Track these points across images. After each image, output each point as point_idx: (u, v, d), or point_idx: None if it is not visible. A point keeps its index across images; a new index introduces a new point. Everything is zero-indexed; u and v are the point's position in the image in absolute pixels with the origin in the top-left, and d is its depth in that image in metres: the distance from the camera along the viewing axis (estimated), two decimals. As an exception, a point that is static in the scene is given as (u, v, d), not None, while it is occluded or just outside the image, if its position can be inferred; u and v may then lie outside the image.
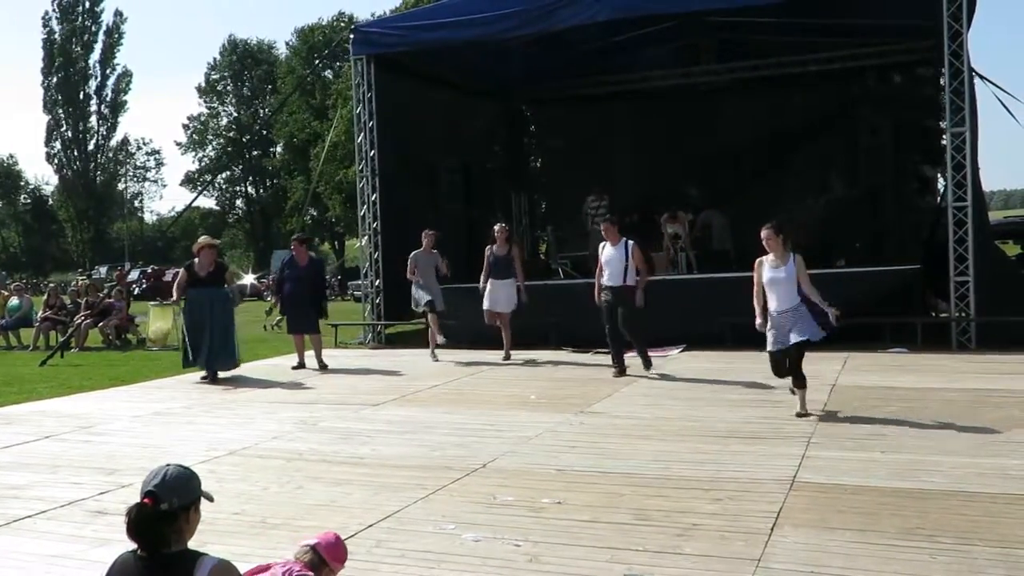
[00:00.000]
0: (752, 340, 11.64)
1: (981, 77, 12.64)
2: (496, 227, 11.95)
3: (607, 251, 9.91)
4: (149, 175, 73.68)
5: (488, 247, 11.84)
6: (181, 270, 11.26)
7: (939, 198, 15.02)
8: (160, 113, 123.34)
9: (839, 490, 5.18)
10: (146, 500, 2.59)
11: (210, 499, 2.79)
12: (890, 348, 11.17)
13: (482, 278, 11.77)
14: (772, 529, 4.53)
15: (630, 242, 9.91)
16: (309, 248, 12.51)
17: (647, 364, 9.88)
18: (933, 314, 12.52)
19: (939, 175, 15.37)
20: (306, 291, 11.71)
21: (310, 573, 3.28)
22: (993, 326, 11.24)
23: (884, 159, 14.62)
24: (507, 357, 11.68)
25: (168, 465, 2.73)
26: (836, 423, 7.04)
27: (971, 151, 11.37)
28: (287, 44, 61.84)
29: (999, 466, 5.59)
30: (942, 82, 12.17)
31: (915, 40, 14.57)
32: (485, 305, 11.69)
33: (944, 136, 12.22)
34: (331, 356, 13.24)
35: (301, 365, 11.69)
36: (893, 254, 13.60)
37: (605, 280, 9.85)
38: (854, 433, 6.65)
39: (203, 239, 11.38)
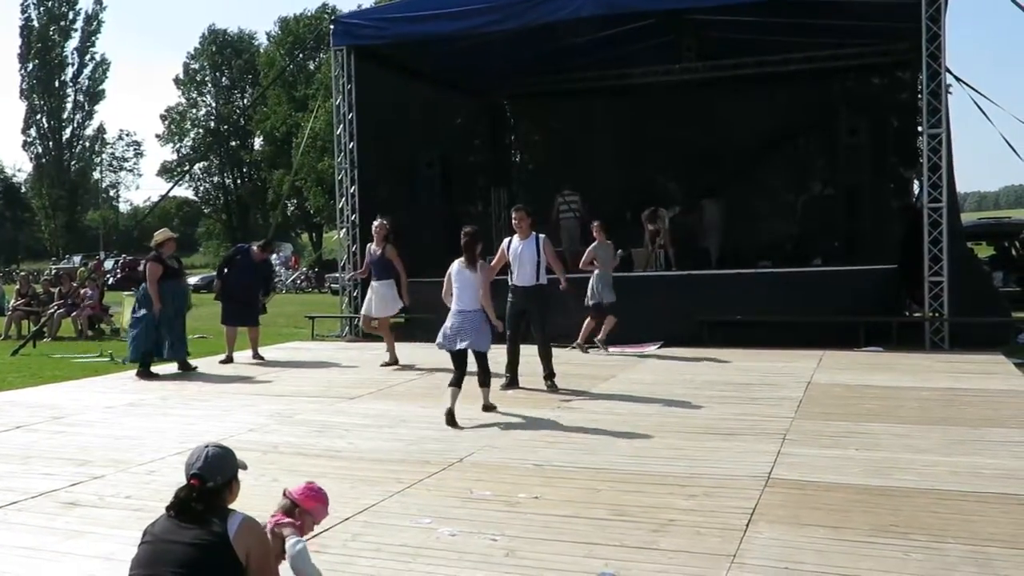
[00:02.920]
0: (729, 337, 11.83)
1: (957, 79, 12.80)
2: (375, 223, 10.95)
3: (515, 246, 8.86)
4: (127, 165, 73.03)
5: (368, 244, 11.04)
6: (150, 264, 10.35)
7: (914, 199, 15.16)
8: (142, 104, 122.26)
9: (814, 487, 5.22)
10: (193, 482, 2.75)
11: (244, 467, 3.09)
12: (865, 347, 11.27)
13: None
14: (747, 525, 4.55)
15: (541, 236, 8.93)
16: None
17: (553, 377, 8.92)
18: (907, 314, 12.66)
19: (914, 176, 15.53)
20: (257, 283, 11.91)
21: (285, 519, 3.46)
22: (965, 326, 11.37)
23: (862, 159, 14.72)
24: (393, 362, 10.73)
25: (207, 446, 2.94)
26: (811, 421, 7.08)
27: (947, 152, 11.49)
28: (268, 35, 61.49)
29: (972, 464, 5.65)
30: (919, 84, 12.28)
31: (893, 42, 14.71)
32: (362, 310, 10.60)
33: (920, 137, 12.33)
34: (308, 349, 13.22)
35: (230, 359, 11.41)
36: (870, 254, 13.73)
37: (515, 280, 8.86)
38: (829, 431, 6.70)
39: (167, 232, 10.85)
